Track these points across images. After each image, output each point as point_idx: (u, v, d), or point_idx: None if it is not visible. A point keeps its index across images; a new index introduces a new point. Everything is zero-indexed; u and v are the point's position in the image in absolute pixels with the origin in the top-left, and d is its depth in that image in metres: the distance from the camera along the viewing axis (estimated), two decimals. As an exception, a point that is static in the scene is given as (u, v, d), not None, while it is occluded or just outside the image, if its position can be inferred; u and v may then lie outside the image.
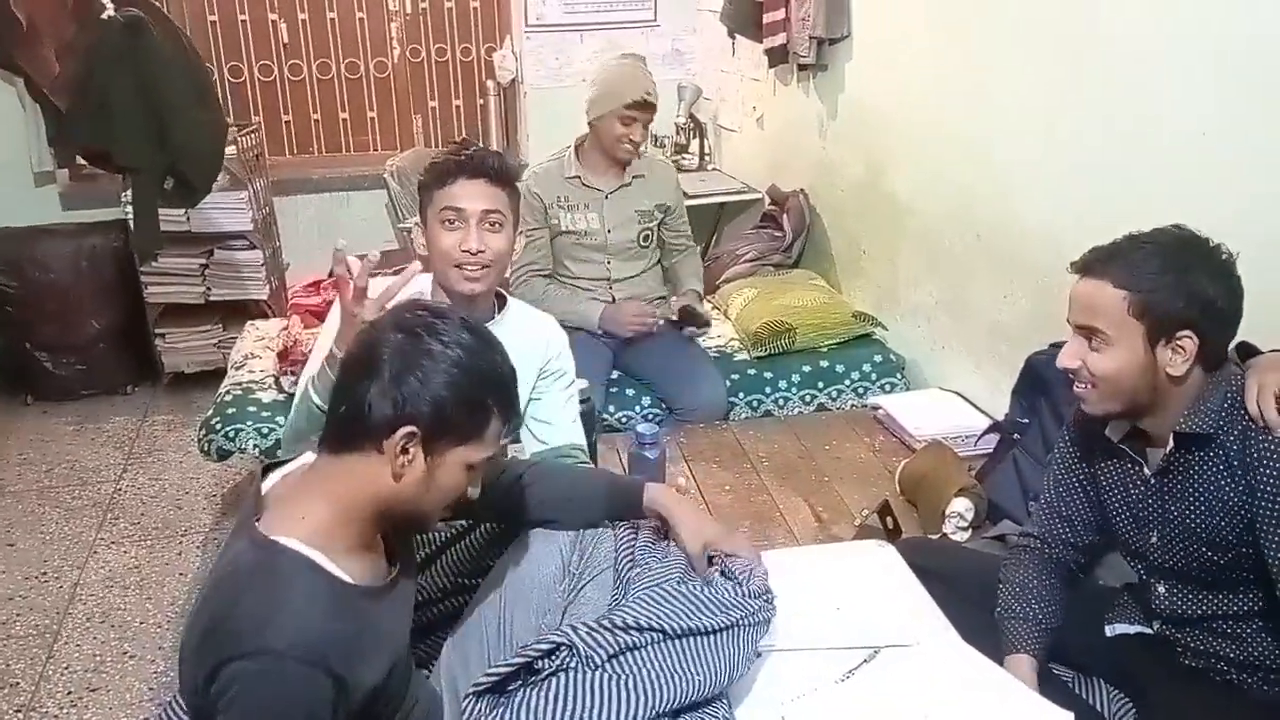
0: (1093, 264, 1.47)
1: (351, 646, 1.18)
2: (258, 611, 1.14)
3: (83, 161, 3.74)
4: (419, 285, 2.00)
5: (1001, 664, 1.54)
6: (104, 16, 3.16)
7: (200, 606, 1.22)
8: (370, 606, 1.24)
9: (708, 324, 3.14)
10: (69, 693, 2.36)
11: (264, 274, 3.89)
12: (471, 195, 1.84)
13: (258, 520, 1.23)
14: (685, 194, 4.11)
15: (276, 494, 1.29)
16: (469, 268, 1.85)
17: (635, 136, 2.89)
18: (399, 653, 1.32)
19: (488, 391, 1.28)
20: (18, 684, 2.39)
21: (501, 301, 2.01)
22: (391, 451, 1.22)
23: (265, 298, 3.93)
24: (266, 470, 1.35)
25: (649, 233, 3.04)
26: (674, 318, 3.10)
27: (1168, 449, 1.47)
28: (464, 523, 1.69)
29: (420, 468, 1.24)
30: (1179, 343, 1.40)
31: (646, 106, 2.86)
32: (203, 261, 3.83)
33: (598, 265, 3.01)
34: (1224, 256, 1.41)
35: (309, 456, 1.33)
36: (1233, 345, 1.48)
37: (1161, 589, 1.55)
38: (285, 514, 1.23)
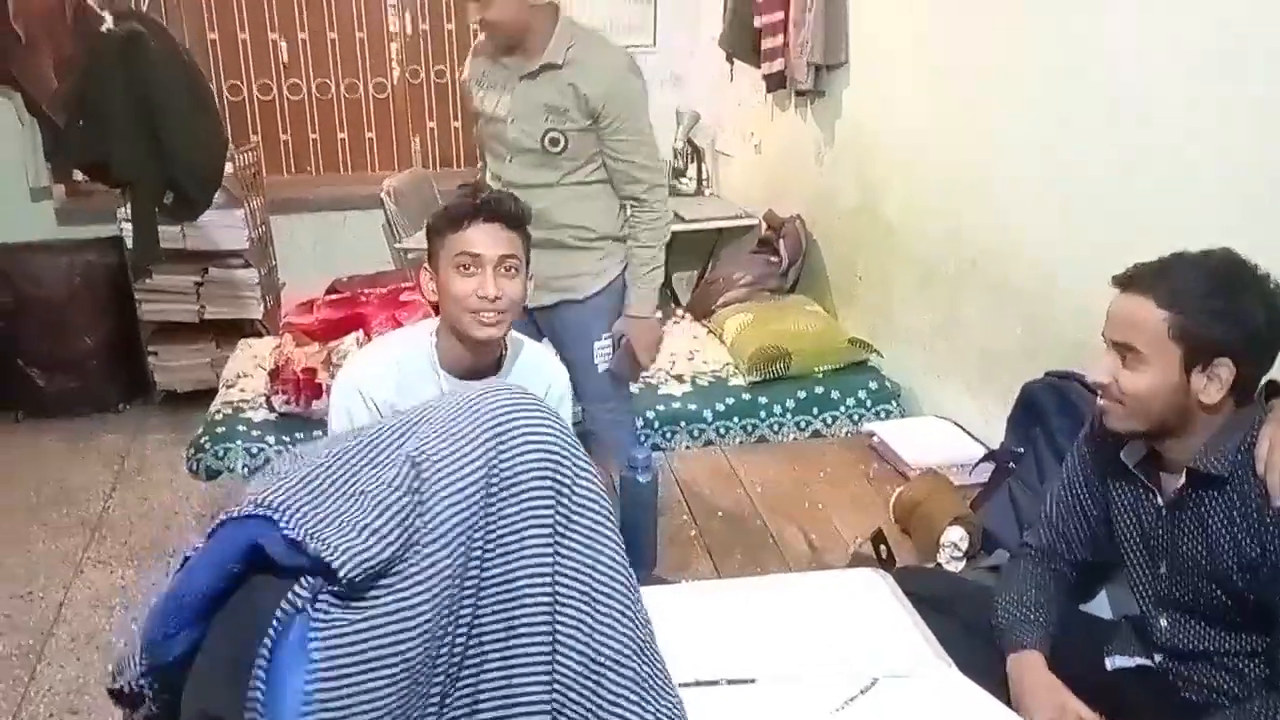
0: (1136, 280, 1.43)
1: None
2: None
3: (80, 176, 3.74)
4: (419, 334, 2.00)
5: (998, 692, 1.53)
6: (103, 29, 3.16)
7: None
8: None
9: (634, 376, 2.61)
10: (50, 715, 2.33)
11: (259, 293, 3.88)
12: (488, 240, 1.81)
13: None
14: (678, 215, 4.06)
15: None
16: (485, 314, 1.82)
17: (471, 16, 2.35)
18: None
19: None
20: (-1, 705, 2.36)
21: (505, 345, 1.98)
22: None
23: (260, 317, 3.92)
24: None
25: (558, 136, 2.38)
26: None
27: (1180, 484, 1.45)
28: None
29: None
30: (1215, 370, 1.38)
31: None
32: (197, 279, 3.83)
33: (502, 162, 2.48)
34: (1271, 285, 1.39)
35: None
36: (1263, 382, 1.45)
37: (1164, 622, 1.54)
38: None
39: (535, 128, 2.39)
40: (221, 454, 2.76)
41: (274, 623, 1.08)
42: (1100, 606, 1.83)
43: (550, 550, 1.19)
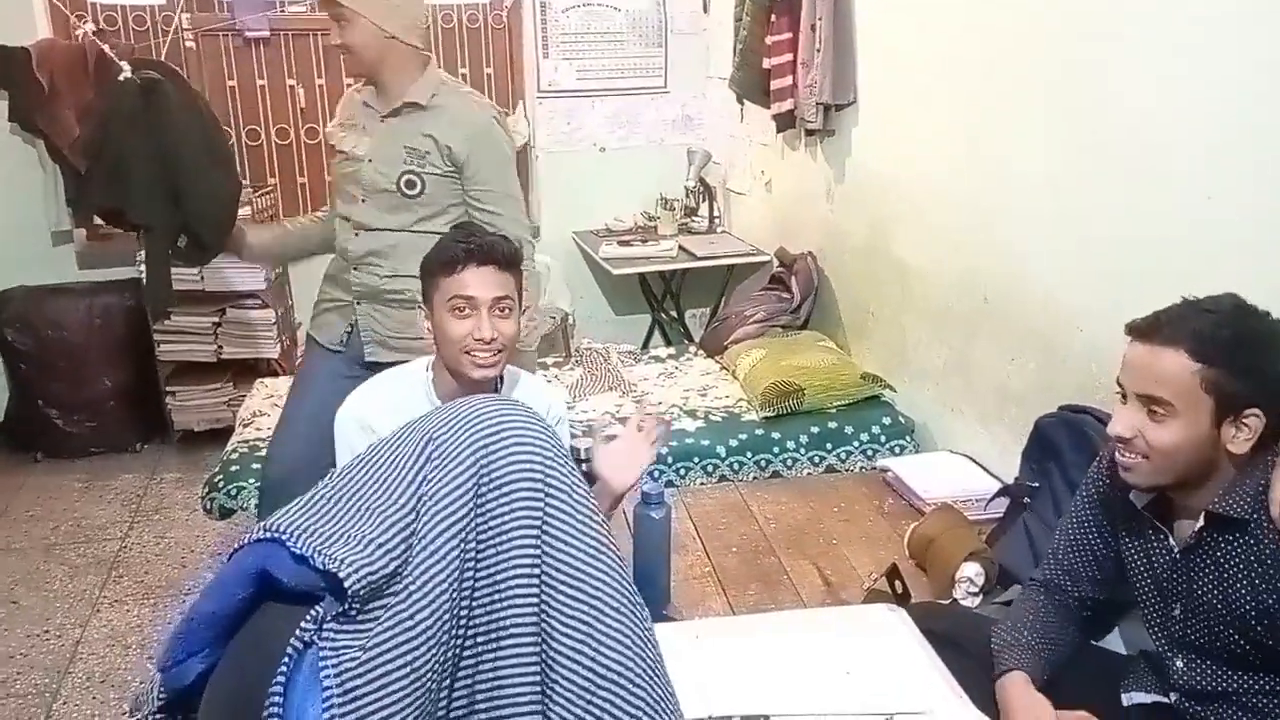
0: (1159, 330, 1.38)
1: None
2: None
3: (99, 221, 3.79)
4: (415, 369, 2.02)
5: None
6: (121, 79, 3.22)
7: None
8: None
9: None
10: (66, 755, 2.33)
11: (275, 332, 3.92)
12: (481, 283, 1.84)
13: None
14: (690, 253, 4.19)
15: None
16: (481, 355, 1.85)
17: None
18: None
19: None
20: (15, 745, 2.36)
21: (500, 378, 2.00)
22: None
23: (276, 356, 3.96)
24: None
25: (414, 179, 2.36)
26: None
27: (1197, 526, 1.43)
28: None
29: None
30: (1245, 420, 1.36)
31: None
32: (215, 320, 3.87)
33: (354, 203, 2.44)
34: None
35: None
36: None
37: (1180, 663, 1.52)
38: None
39: (392, 169, 2.37)
40: (234, 493, 2.77)
41: (285, 660, 1.10)
42: (1114, 641, 1.82)
43: (536, 550, 1.20)
